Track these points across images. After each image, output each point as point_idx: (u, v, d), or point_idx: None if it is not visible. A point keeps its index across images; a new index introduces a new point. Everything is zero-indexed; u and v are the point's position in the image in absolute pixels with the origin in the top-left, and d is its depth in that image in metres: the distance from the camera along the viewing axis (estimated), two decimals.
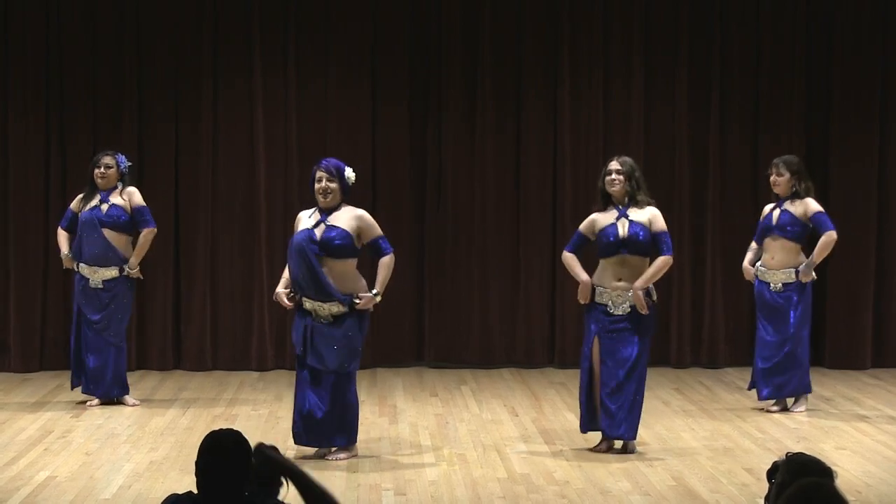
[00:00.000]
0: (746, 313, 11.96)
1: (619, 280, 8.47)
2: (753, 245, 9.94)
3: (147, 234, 9.90)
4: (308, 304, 8.22)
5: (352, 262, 8.29)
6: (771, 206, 9.84)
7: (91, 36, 11.60)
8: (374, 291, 8.27)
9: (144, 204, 9.92)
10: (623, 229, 8.49)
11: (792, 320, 9.68)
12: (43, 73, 11.58)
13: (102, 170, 9.82)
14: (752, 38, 11.92)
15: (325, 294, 8.15)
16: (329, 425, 8.25)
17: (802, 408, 9.80)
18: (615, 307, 8.45)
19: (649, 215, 8.54)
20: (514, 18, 11.87)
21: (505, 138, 11.92)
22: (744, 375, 11.42)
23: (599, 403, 8.46)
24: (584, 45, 11.87)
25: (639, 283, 8.40)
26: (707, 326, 11.94)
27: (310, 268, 8.14)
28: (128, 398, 10.01)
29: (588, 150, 11.87)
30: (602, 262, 8.59)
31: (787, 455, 4.41)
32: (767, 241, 9.79)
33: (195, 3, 11.68)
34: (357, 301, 8.19)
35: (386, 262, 8.33)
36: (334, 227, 8.22)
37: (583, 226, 8.74)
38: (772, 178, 9.77)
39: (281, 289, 8.38)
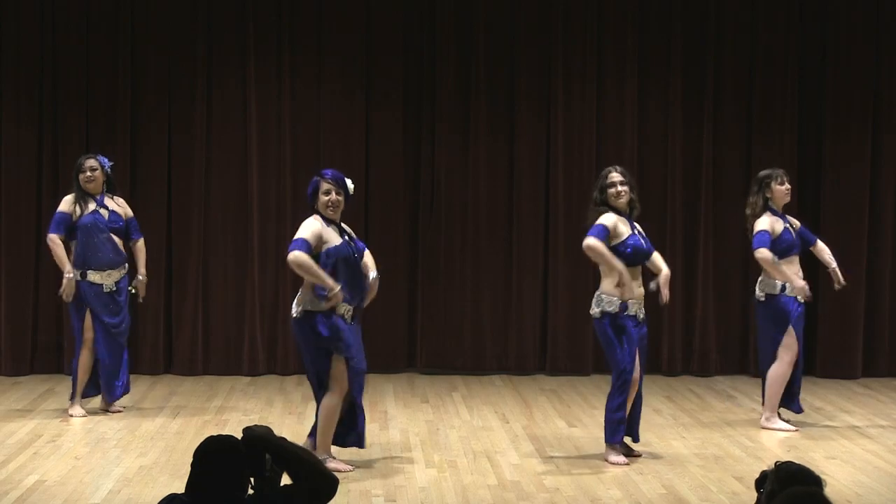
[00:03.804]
0: (738, 322, 11.97)
1: (640, 287, 8.43)
2: (773, 259, 9.32)
3: (142, 245, 10.01)
4: (343, 308, 8.11)
5: None
6: (780, 223, 9.40)
7: (85, 43, 11.60)
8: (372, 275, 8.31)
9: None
10: (644, 241, 8.45)
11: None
12: (37, 80, 11.58)
13: (88, 173, 9.73)
14: (745, 47, 11.92)
15: (363, 299, 8.28)
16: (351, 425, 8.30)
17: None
18: (639, 314, 8.46)
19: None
20: (508, 28, 11.87)
21: (498, 147, 11.93)
22: (734, 384, 11.47)
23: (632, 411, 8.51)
24: (578, 54, 11.87)
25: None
26: (698, 335, 11.94)
27: (362, 277, 8.22)
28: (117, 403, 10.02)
29: (581, 158, 11.87)
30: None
31: (776, 464, 4.40)
32: (792, 257, 9.41)
33: (189, 11, 11.68)
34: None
35: None
36: (359, 240, 8.38)
37: (609, 223, 8.34)
38: (786, 187, 9.40)
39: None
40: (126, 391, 9.94)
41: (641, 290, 8.43)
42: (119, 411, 9.89)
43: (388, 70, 11.87)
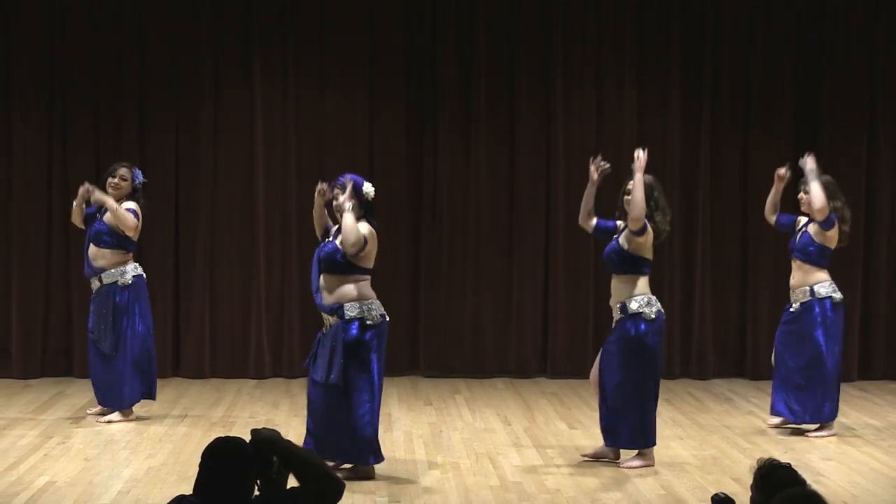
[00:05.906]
0: (735, 325, 12.05)
1: (611, 297, 8.52)
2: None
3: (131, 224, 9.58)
4: (324, 316, 8.14)
5: (348, 278, 8.06)
6: (802, 223, 9.52)
7: (93, 47, 11.68)
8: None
9: (132, 221, 9.52)
10: (605, 248, 8.57)
11: (816, 339, 9.36)
12: (46, 85, 11.67)
13: (117, 180, 9.56)
14: (744, 48, 11.96)
15: (320, 306, 8.07)
16: (326, 440, 8.03)
17: (826, 432, 9.44)
18: (614, 317, 8.50)
19: (627, 233, 8.41)
20: (508, 32, 11.95)
21: (499, 150, 12.00)
22: (732, 386, 11.55)
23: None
24: (578, 58, 11.94)
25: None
26: (696, 338, 11.99)
27: (314, 280, 8.12)
28: (114, 414, 9.66)
29: (581, 162, 11.91)
30: None
31: (758, 462, 4.38)
32: (792, 260, 9.53)
33: (195, 16, 11.78)
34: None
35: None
36: (332, 241, 8.10)
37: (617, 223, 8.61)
38: (800, 196, 9.42)
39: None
40: (111, 403, 9.68)
41: (610, 302, 8.47)
42: (112, 422, 9.64)
43: (389, 71, 11.92)
